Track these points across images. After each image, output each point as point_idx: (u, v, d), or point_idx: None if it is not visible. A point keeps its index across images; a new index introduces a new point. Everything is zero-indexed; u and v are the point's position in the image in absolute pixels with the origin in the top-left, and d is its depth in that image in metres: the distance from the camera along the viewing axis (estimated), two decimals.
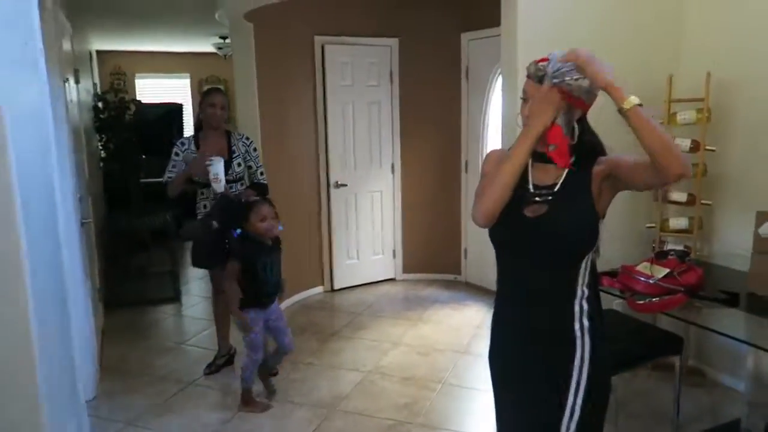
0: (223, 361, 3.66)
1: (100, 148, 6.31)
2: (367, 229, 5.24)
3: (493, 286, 1.71)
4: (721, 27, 3.16)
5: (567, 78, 1.45)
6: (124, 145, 6.24)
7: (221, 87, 3.62)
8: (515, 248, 1.60)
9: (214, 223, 3.16)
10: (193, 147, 3.36)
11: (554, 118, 1.49)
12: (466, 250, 5.25)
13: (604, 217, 1.55)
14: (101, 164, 6.34)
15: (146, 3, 5.28)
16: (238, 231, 2.95)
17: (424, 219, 5.34)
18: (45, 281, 2.04)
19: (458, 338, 4.06)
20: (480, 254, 5.07)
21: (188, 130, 8.90)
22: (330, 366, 3.68)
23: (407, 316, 4.51)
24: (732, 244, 3.09)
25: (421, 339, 4.07)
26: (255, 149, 3.50)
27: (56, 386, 2.07)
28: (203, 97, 3.43)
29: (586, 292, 1.56)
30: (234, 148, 3.40)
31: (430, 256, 5.37)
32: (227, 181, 3.27)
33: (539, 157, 1.57)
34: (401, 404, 3.19)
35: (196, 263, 3.47)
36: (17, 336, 1.61)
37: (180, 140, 3.42)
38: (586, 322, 1.55)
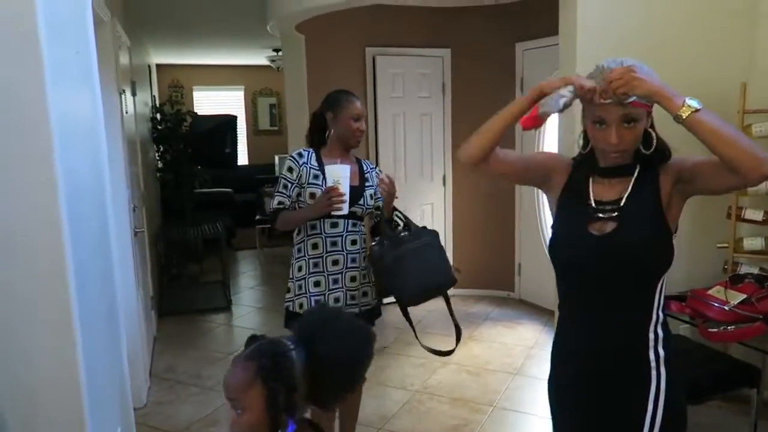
0: None
1: (158, 158, 6.47)
2: None
3: (549, 305, 1.59)
4: None
5: None
6: (179, 157, 6.37)
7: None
8: (582, 269, 1.46)
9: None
10: (314, 163, 2.42)
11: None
12: (520, 266, 5.07)
13: (676, 231, 1.41)
14: (158, 174, 6.49)
15: (200, 17, 5.40)
16: None
17: (476, 233, 5.19)
18: (94, 292, 2.04)
19: (511, 358, 3.89)
20: (535, 270, 4.88)
21: (242, 141, 9.11)
22: (377, 383, 3.59)
23: None
24: None
25: (471, 358, 3.92)
26: None
27: (103, 394, 2.07)
28: (336, 104, 2.45)
29: (661, 316, 1.43)
30: (367, 176, 2.51)
31: (482, 271, 5.20)
32: (355, 216, 2.41)
33: (601, 171, 1.45)
34: (450, 426, 3.06)
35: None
36: (63, 346, 1.60)
37: (296, 151, 2.46)
38: (661, 351, 1.41)
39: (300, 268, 2.42)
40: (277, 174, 8.08)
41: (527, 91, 1.50)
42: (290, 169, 2.39)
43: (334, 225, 2.38)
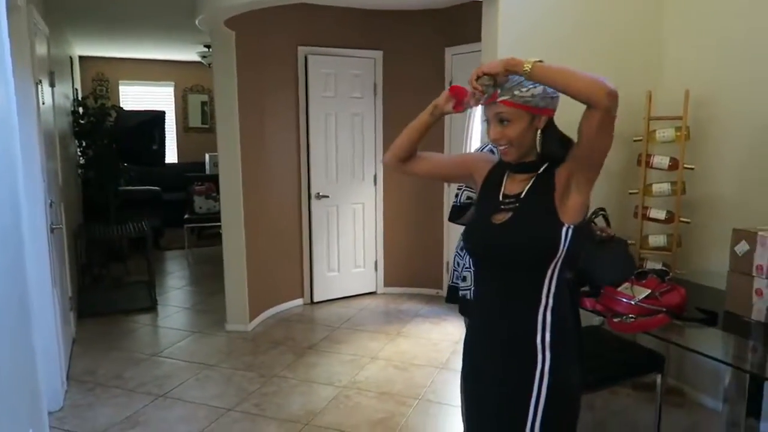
0: None
1: (79, 154, 6.20)
2: (348, 242, 5.18)
3: None
4: (700, 43, 3.17)
5: (516, 92, 1.45)
6: (103, 152, 6.13)
7: None
8: (481, 255, 1.61)
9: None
10: None
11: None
12: (448, 264, 5.20)
13: (581, 221, 1.48)
14: (79, 171, 6.21)
15: (125, 8, 5.21)
16: None
17: (406, 232, 5.29)
18: (1, 287, 1.95)
19: (437, 353, 4.00)
20: None
21: (171, 138, 8.85)
22: (305, 380, 3.60)
23: (386, 330, 4.45)
24: (712, 262, 3.07)
25: (399, 354, 4.00)
26: None
27: (11, 394, 1.98)
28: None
29: (551, 302, 1.50)
30: None
31: (412, 269, 5.31)
32: None
33: (512, 168, 1.57)
34: (376, 420, 3.11)
35: None
36: None
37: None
38: (548, 337, 1.49)
39: None
40: (208, 173, 7.91)
41: (427, 108, 1.73)
42: None
43: None
